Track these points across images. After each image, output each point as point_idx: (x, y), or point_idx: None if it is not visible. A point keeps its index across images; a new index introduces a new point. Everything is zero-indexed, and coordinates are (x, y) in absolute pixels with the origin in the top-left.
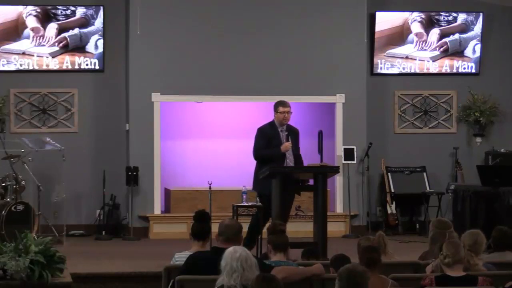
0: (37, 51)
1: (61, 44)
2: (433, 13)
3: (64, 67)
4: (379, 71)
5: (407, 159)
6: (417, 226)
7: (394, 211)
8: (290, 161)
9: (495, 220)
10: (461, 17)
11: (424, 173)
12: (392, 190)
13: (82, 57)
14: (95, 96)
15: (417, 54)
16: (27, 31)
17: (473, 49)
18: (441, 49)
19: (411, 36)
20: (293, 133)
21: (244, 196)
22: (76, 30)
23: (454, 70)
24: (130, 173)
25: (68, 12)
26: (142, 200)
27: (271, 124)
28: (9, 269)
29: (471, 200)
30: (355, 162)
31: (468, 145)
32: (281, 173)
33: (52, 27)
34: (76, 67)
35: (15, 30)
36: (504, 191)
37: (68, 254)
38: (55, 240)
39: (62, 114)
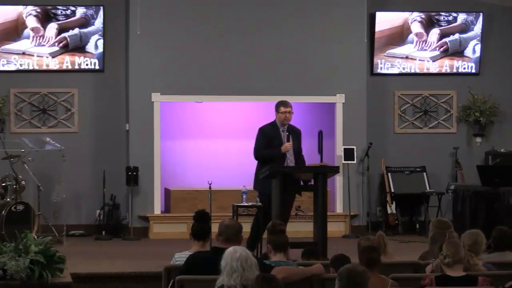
0: (37, 51)
1: (61, 44)
2: (433, 13)
3: (64, 67)
4: (379, 71)
5: (407, 159)
6: (417, 226)
7: (394, 211)
8: (290, 161)
9: (495, 220)
10: (461, 17)
11: (424, 173)
12: (392, 190)
13: (82, 57)
14: (95, 96)
15: (417, 54)
16: (27, 31)
17: (473, 49)
18: (441, 49)
19: (411, 36)
20: (295, 134)
21: (244, 196)
22: (76, 30)
23: (454, 70)
24: (130, 173)
25: (68, 12)
26: (142, 200)
27: (272, 124)
28: (9, 269)
29: (471, 200)
30: (355, 162)
31: (468, 145)
32: (281, 173)
33: (52, 27)
34: (76, 67)
35: (15, 30)
36: (504, 191)
37: (68, 254)
38: (55, 240)
39: (62, 114)
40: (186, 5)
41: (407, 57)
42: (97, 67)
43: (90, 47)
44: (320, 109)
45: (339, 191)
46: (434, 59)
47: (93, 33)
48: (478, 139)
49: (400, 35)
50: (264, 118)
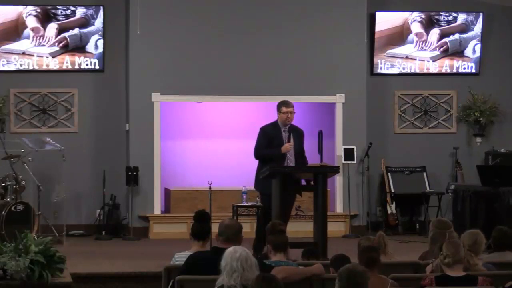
0: (37, 51)
1: (61, 44)
2: (433, 13)
3: (64, 67)
4: (379, 71)
5: (407, 159)
6: (417, 226)
7: (394, 211)
8: (290, 162)
9: (495, 220)
10: (461, 17)
11: (424, 173)
12: (392, 190)
13: (82, 57)
14: (95, 96)
15: (417, 54)
16: (27, 31)
17: (473, 49)
18: (441, 49)
19: (411, 36)
20: (297, 134)
21: (244, 196)
22: (76, 30)
23: (454, 70)
24: (130, 173)
25: (68, 12)
26: (142, 200)
27: (274, 124)
28: (9, 269)
29: (471, 200)
30: (355, 162)
31: (468, 145)
32: (281, 173)
33: (52, 27)
34: (76, 67)
35: (15, 30)
36: (504, 191)
37: (68, 254)
38: (55, 240)
39: (62, 114)
40: (186, 5)
41: (407, 57)
42: (97, 67)
43: (90, 47)
44: (320, 109)
45: (339, 191)
46: (434, 59)
47: (93, 33)
48: (478, 139)
49: (400, 35)
50: (264, 118)
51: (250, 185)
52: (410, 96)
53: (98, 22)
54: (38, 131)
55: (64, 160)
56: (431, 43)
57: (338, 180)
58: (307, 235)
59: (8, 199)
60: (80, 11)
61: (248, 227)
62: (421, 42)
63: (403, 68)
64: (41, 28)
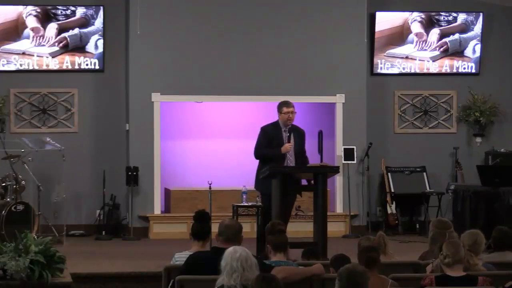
0: (37, 51)
1: (61, 44)
2: (433, 13)
3: (64, 67)
4: (379, 71)
5: (407, 159)
6: (417, 226)
7: (394, 211)
8: (290, 162)
9: (495, 220)
10: (461, 17)
11: (424, 173)
12: (392, 190)
13: (82, 57)
14: (95, 96)
15: (417, 54)
16: (27, 31)
17: (473, 49)
18: (441, 49)
19: (411, 36)
20: (298, 134)
21: (244, 196)
22: (76, 30)
23: (454, 70)
24: (130, 173)
25: (68, 12)
26: (142, 200)
27: (275, 124)
28: (9, 269)
29: (471, 200)
30: (355, 162)
31: (468, 145)
32: (281, 173)
33: (52, 27)
34: (76, 67)
35: (15, 30)
36: (504, 191)
37: (68, 254)
38: (55, 240)
39: (62, 114)
40: (186, 5)
41: (407, 57)
42: (97, 67)
43: (90, 47)
44: (320, 109)
45: (339, 191)
46: (434, 59)
47: (93, 33)
48: (478, 139)
49: (400, 35)
50: (264, 118)
51: (250, 185)
52: (410, 96)
53: (98, 22)
54: (38, 131)
55: (64, 160)
56: (431, 43)
57: (338, 180)
58: (307, 235)
59: (8, 199)
60: (80, 11)
61: (248, 227)
62: (421, 42)
63: (403, 68)
64: (41, 28)
